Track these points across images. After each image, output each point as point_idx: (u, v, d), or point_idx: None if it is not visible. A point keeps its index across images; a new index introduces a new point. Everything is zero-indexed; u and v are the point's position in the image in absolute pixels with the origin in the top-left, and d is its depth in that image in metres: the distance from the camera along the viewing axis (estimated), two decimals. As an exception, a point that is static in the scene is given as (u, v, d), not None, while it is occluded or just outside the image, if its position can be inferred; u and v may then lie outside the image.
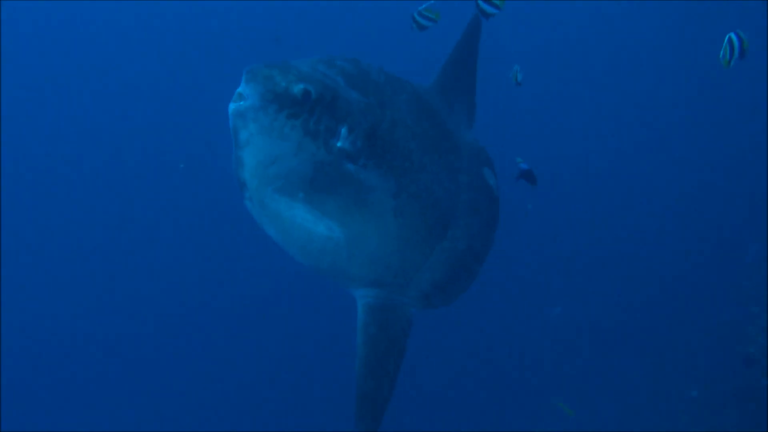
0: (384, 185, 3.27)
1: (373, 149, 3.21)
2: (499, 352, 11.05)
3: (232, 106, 3.03)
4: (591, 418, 9.46)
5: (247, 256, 12.01)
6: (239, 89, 3.02)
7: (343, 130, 3.10)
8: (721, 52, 4.20)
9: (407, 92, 3.61)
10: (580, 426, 9.36)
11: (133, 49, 17.81)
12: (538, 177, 4.77)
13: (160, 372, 11.85)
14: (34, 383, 12.17)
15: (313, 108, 3.02)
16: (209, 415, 11.20)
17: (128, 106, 16.68)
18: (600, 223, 14.05)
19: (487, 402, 10.50)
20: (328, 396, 9.69)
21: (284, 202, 3.15)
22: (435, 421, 10.19)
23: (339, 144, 3.10)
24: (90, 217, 14.83)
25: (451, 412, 10.50)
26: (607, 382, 10.15)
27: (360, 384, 3.34)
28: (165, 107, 16.28)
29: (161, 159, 15.30)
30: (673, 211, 14.06)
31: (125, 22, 18.26)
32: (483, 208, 3.94)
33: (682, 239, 12.88)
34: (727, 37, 4.16)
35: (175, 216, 14.28)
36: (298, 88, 2.99)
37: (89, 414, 11.26)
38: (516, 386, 10.54)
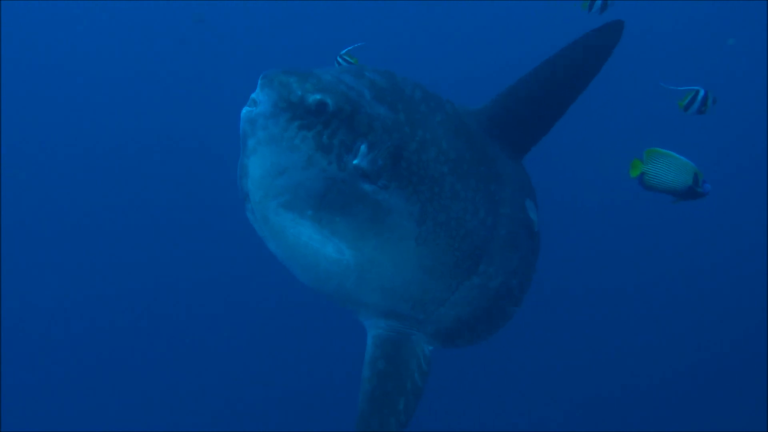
0: (407, 210, 3.06)
1: (396, 170, 3.01)
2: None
3: (244, 111, 2.92)
4: None
5: (249, 257, 11.88)
6: (253, 94, 2.91)
7: (363, 147, 2.93)
8: None
9: (445, 112, 3.32)
10: None
11: (136, 49, 17.81)
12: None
13: (161, 372, 11.84)
14: (34, 383, 12.16)
15: (328, 120, 2.88)
16: (210, 415, 11.19)
17: (129, 107, 16.68)
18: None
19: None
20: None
21: (290, 218, 2.99)
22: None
23: (356, 161, 2.93)
24: (90, 217, 14.83)
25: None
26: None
27: (361, 420, 3.16)
28: (169, 108, 16.25)
29: (162, 159, 15.30)
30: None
31: (127, 21, 18.25)
32: (522, 243, 3.65)
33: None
34: None
35: (177, 217, 14.27)
36: (313, 98, 2.85)
37: (89, 414, 11.26)
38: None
